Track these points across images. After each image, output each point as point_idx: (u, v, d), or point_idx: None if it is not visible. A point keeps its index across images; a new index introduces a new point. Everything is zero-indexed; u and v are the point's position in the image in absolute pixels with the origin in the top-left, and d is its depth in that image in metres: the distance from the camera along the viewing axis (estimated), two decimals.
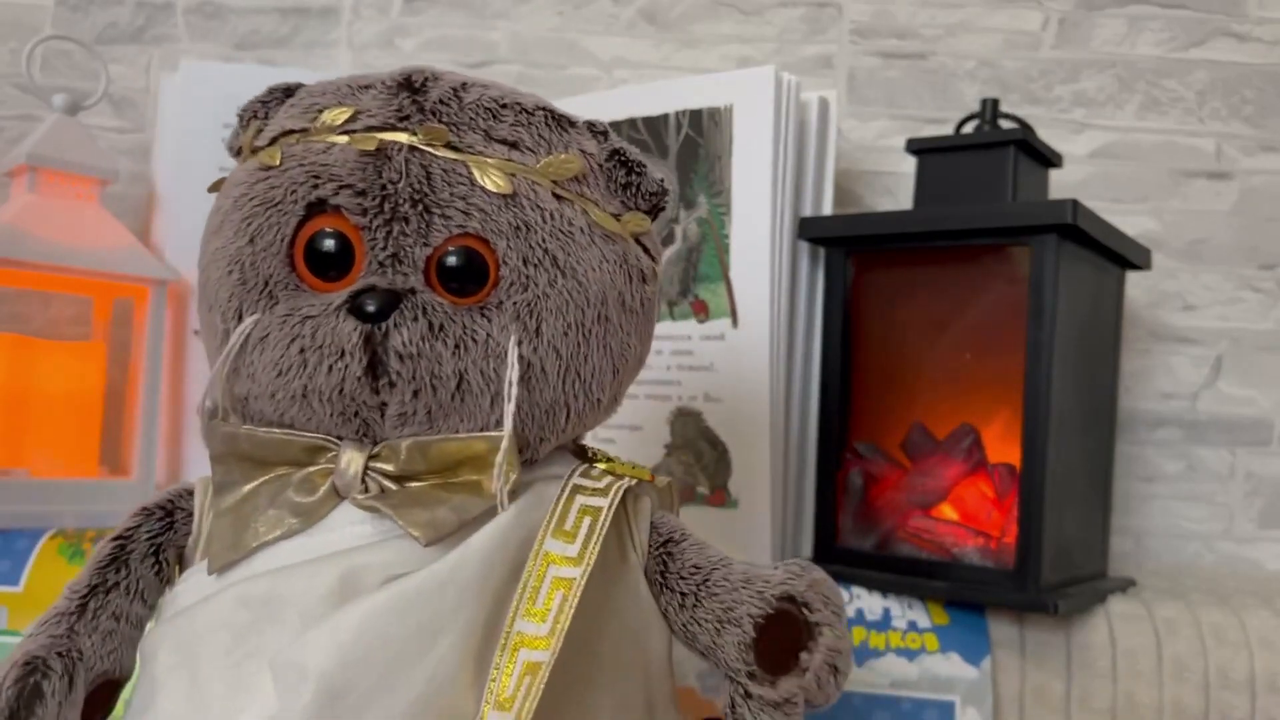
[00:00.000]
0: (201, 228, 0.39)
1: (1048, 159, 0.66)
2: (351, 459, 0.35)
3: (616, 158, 0.39)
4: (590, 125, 0.40)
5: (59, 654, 0.34)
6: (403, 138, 0.36)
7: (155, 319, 0.64)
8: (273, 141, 0.37)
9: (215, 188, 0.40)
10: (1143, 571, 0.71)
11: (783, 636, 0.36)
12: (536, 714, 0.32)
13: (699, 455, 0.65)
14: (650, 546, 0.39)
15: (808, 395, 0.67)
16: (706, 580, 0.38)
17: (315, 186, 0.35)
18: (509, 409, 0.34)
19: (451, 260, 0.35)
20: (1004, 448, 0.59)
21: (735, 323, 0.65)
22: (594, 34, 0.83)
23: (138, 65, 0.83)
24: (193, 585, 0.36)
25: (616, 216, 0.39)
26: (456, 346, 0.34)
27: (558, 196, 0.37)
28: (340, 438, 0.35)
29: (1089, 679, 0.56)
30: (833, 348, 0.64)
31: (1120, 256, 0.64)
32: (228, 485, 0.36)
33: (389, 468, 0.35)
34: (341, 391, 0.34)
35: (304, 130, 0.37)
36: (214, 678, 0.33)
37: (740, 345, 0.64)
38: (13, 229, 0.59)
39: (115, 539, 0.38)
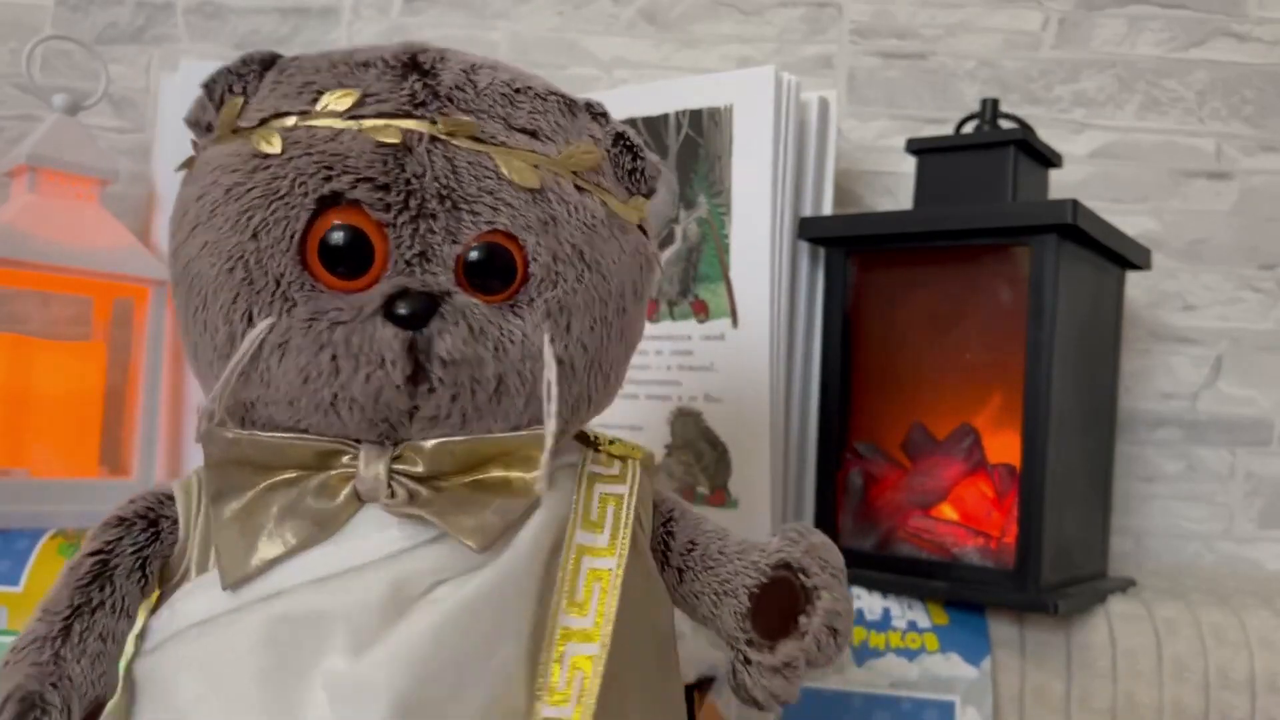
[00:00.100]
0: None
1: (1048, 159, 0.66)
2: (373, 462, 0.33)
3: (621, 143, 0.38)
4: (589, 106, 0.39)
5: (53, 684, 0.32)
6: (423, 127, 0.34)
7: (155, 319, 0.64)
8: (263, 123, 0.35)
9: (188, 165, 0.37)
10: (1143, 571, 0.71)
11: (782, 602, 0.37)
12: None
13: (699, 455, 0.65)
14: (654, 524, 0.40)
15: (808, 395, 0.67)
16: (704, 554, 0.39)
17: (328, 179, 0.33)
18: (551, 409, 0.34)
19: (481, 258, 0.34)
20: (1004, 448, 0.59)
21: (735, 323, 0.65)
22: (594, 34, 0.83)
23: (138, 65, 0.83)
24: (200, 601, 0.33)
25: (624, 204, 0.38)
26: (496, 349, 0.33)
27: (578, 188, 0.36)
28: (357, 440, 0.34)
29: (1089, 679, 0.56)
30: (833, 348, 0.64)
31: (1120, 256, 0.64)
32: (228, 492, 0.34)
33: (415, 469, 0.34)
34: (377, 400, 0.32)
35: (303, 113, 0.34)
36: (255, 706, 0.31)
37: (740, 345, 0.64)
38: (13, 229, 0.59)
39: (93, 554, 0.34)
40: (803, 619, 0.37)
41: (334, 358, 0.32)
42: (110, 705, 0.34)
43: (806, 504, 0.67)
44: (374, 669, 0.30)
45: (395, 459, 0.33)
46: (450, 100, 0.34)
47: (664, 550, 0.40)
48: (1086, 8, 0.82)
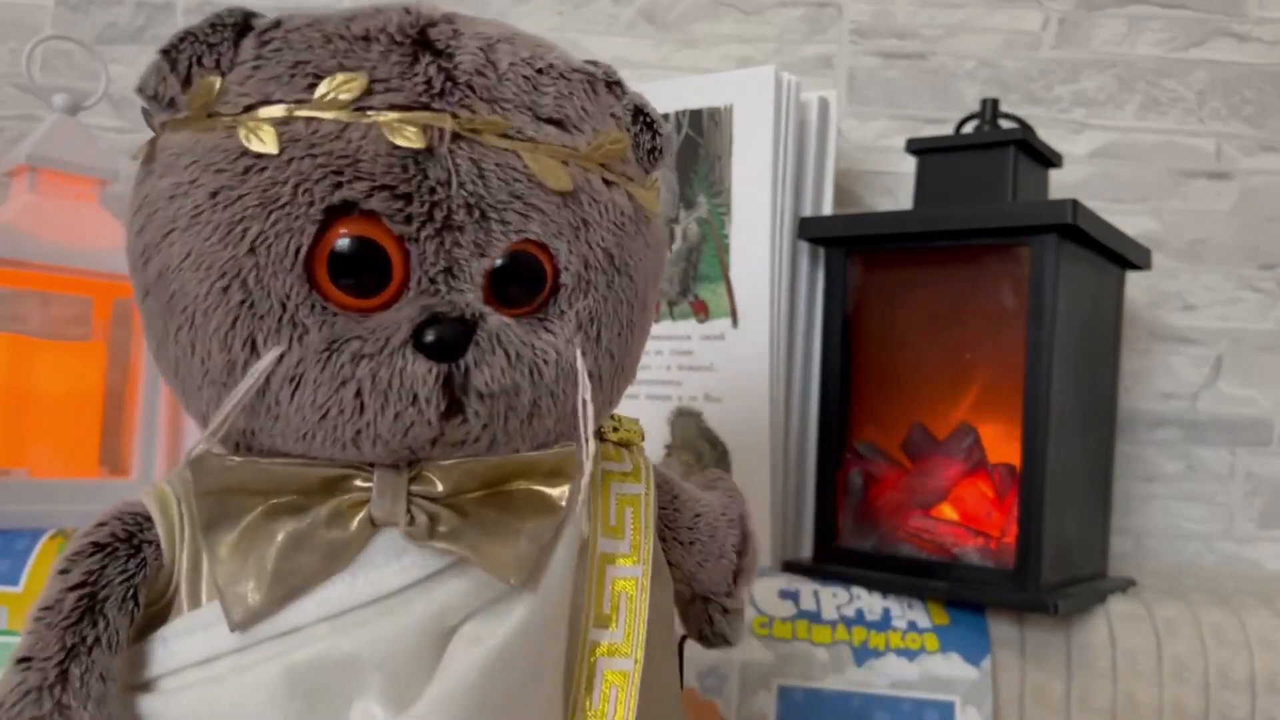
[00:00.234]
0: None
1: (1048, 159, 0.66)
2: (389, 485, 0.30)
3: (641, 119, 0.35)
4: (605, 76, 0.35)
5: None
6: (444, 123, 0.30)
7: None
8: (247, 110, 0.30)
9: (147, 157, 0.32)
10: (1143, 571, 0.71)
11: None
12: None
13: (699, 455, 0.65)
14: (659, 505, 0.40)
15: (808, 395, 0.67)
16: (706, 524, 0.40)
17: (338, 185, 0.29)
18: (588, 430, 0.31)
19: (509, 270, 0.31)
20: (1004, 448, 0.59)
21: (735, 323, 0.65)
22: (594, 34, 0.83)
23: (138, 65, 0.82)
24: (199, 641, 0.30)
25: (644, 188, 0.35)
26: (531, 373, 0.31)
27: (606, 182, 0.33)
28: (370, 464, 0.31)
29: (1089, 679, 0.56)
30: (833, 348, 0.64)
31: (1120, 256, 0.64)
32: (220, 522, 0.30)
33: (434, 490, 0.31)
34: (405, 436, 0.29)
35: (298, 102, 0.30)
36: None
37: (740, 345, 0.64)
38: (12, 229, 0.59)
39: (76, 587, 0.30)
40: (746, 560, 0.41)
41: (358, 394, 0.29)
42: None
43: (806, 504, 0.67)
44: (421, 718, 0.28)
45: (413, 479, 0.31)
46: (471, 88, 0.30)
47: (669, 526, 0.40)
48: (1086, 8, 0.82)
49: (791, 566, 0.63)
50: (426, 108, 0.30)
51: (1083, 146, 0.81)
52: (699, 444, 0.65)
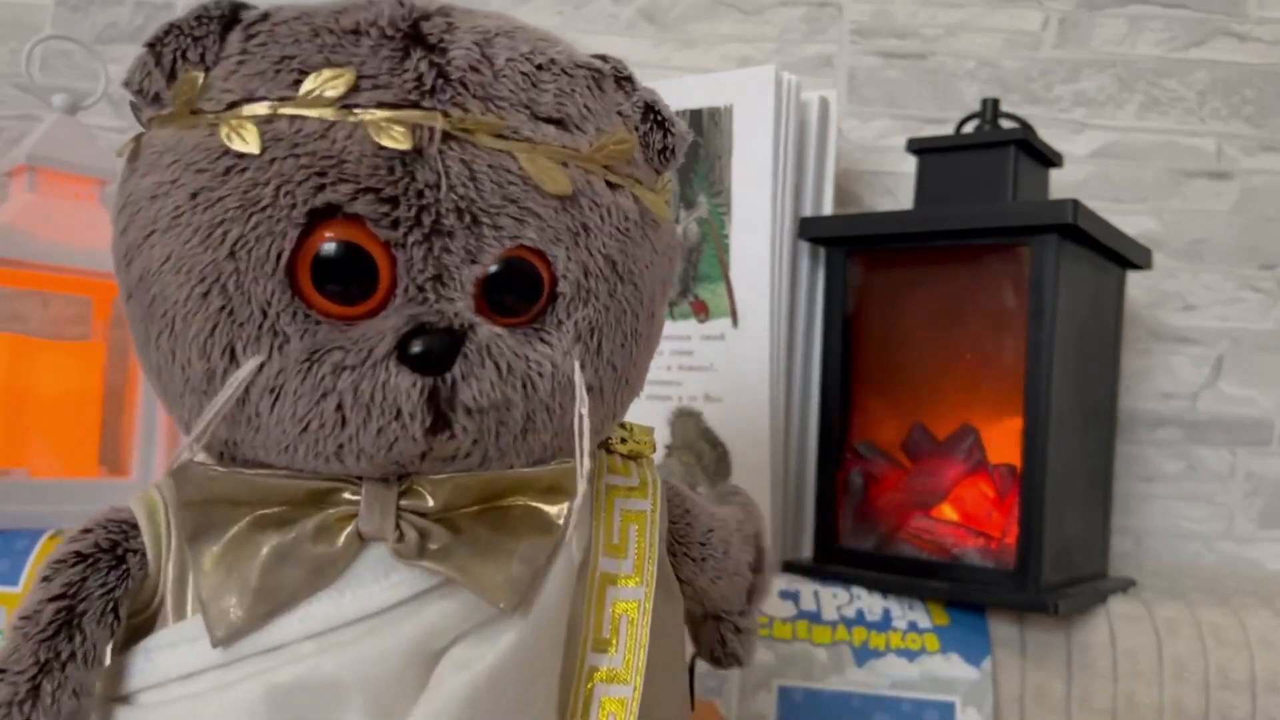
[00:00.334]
0: None
1: (1048, 159, 0.66)
2: (377, 500, 0.29)
3: (652, 118, 0.33)
4: (614, 70, 0.34)
5: None
6: (434, 122, 0.28)
7: None
8: (230, 107, 0.29)
9: (132, 154, 0.31)
10: (1143, 571, 0.71)
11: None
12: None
13: (699, 455, 0.65)
14: (668, 521, 0.38)
15: (808, 395, 0.67)
16: (719, 540, 0.39)
17: (320, 188, 0.28)
18: (584, 446, 0.30)
19: (502, 276, 0.29)
20: (1004, 448, 0.59)
21: (735, 323, 0.65)
22: (594, 34, 0.83)
23: None
24: (181, 654, 0.29)
25: (652, 189, 0.34)
26: (524, 386, 0.29)
27: (610, 184, 0.31)
28: (359, 477, 0.30)
29: (1089, 679, 0.56)
30: (833, 348, 0.64)
31: (1120, 256, 0.64)
32: (205, 533, 0.29)
33: (425, 505, 0.29)
34: (390, 451, 0.28)
35: (283, 99, 0.28)
36: None
37: (740, 345, 0.64)
38: (12, 229, 0.59)
39: (55, 599, 0.29)
40: (760, 578, 0.40)
41: (339, 408, 0.28)
42: None
43: (806, 504, 0.67)
44: None
45: (403, 494, 0.29)
46: (464, 85, 0.29)
47: (683, 542, 0.38)
48: (1087, 7, 0.82)
49: (792, 567, 0.63)
50: (416, 106, 0.28)
51: (1083, 146, 0.81)
52: (699, 444, 0.65)
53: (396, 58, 0.29)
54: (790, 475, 0.66)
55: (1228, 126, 0.81)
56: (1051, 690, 0.56)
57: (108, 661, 0.30)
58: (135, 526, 0.31)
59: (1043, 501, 0.56)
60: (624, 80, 0.33)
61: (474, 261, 0.29)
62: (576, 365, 0.30)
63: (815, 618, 0.57)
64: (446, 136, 0.28)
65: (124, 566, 0.30)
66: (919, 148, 0.66)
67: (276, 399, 0.28)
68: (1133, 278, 0.73)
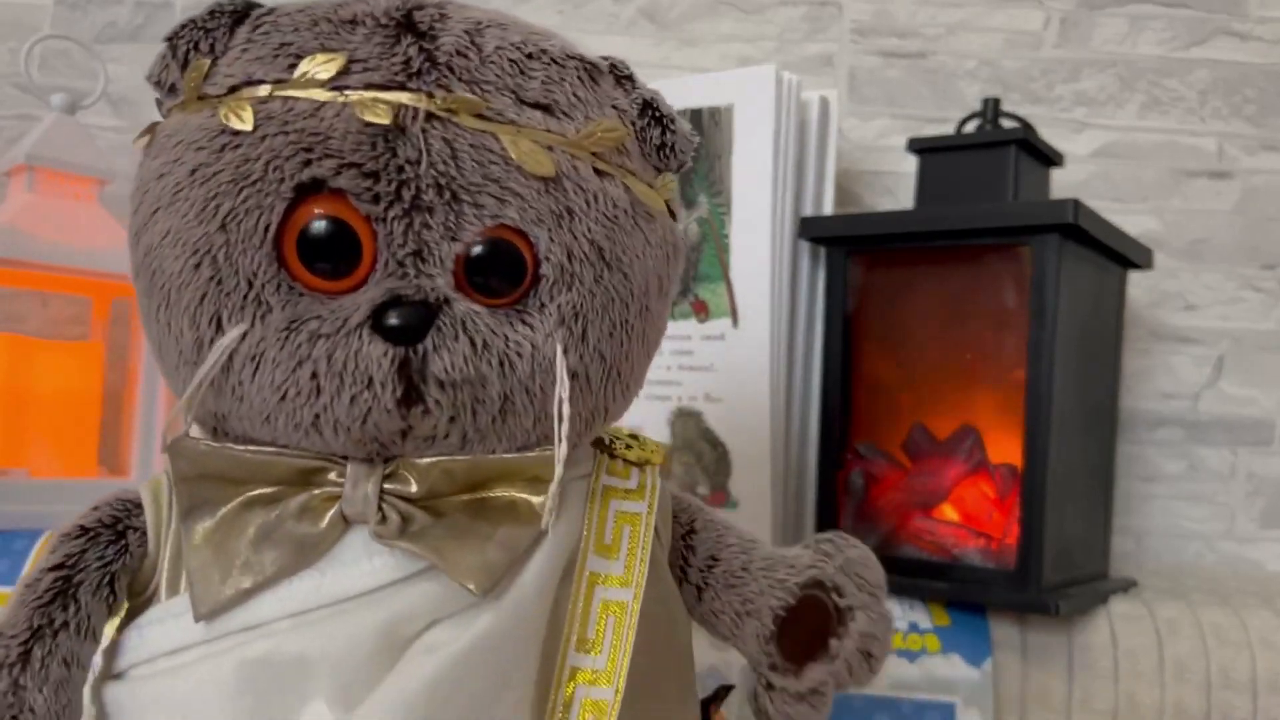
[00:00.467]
0: None
1: (1049, 158, 0.66)
2: (362, 481, 0.30)
3: (650, 114, 0.34)
4: (613, 67, 0.34)
5: (13, 717, 0.29)
6: (418, 102, 0.29)
7: None
8: (232, 91, 0.30)
9: (147, 134, 0.32)
10: (1144, 572, 0.71)
11: (812, 621, 0.34)
12: None
13: (699, 456, 0.65)
14: (673, 536, 0.37)
15: (808, 395, 0.67)
16: (727, 571, 0.36)
17: (307, 163, 0.29)
18: (562, 432, 0.30)
19: (483, 255, 0.30)
20: (1005, 448, 0.59)
21: (735, 323, 0.65)
22: (594, 33, 0.83)
23: (136, 64, 0.82)
24: (169, 630, 0.30)
25: (650, 184, 0.34)
26: (501, 364, 0.29)
27: (598, 172, 0.31)
28: (344, 456, 0.30)
29: (1090, 680, 0.56)
30: (833, 348, 0.64)
31: (1121, 256, 0.64)
32: (199, 509, 0.30)
33: (408, 489, 0.30)
34: (364, 422, 0.28)
35: (279, 81, 0.29)
36: None
37: (740, 345, 0.64)
38: (11, 229, 0.59)
39: (55, 569, 0.31)
40: (834, 642, 0.34)
41: (314, 376, 0.28)
42: None
43: (807, 505, 0.67)
44: None
45: (388, 476, 0.30)
46: (450, 69, 0.30)
47: (683, 564, 0.37)
48: (1088, 7, 0.82)
49: None
50: (402, 87, 0.29)
51: (1084, 146, 0.81)
52: (699, 444, 0.65)
53: (388, 44, 0.30)
54: (790, 475, 0.66)
55: (1229, 126, 0.81)
56: (1052, 691, 0.56)
57: (105, 637, 0.31)
58: (140, 506, 0.32)
59: (1043, 502, 0.55)
60: (624, 79, 0.34)
61: (454, 239, 0.29)
62: (559, 349, 0.30)
63: None
64: (430, 116, 0.29)
65: (123, 542, 0.32)
66: (919, 147, 0.66)
67: (257, 368, 0.29)
68: (1134, 277, 0.73)
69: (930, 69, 0.82)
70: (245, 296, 0.29)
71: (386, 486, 0.30)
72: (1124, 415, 0.78)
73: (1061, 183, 0.79)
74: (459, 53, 0.30)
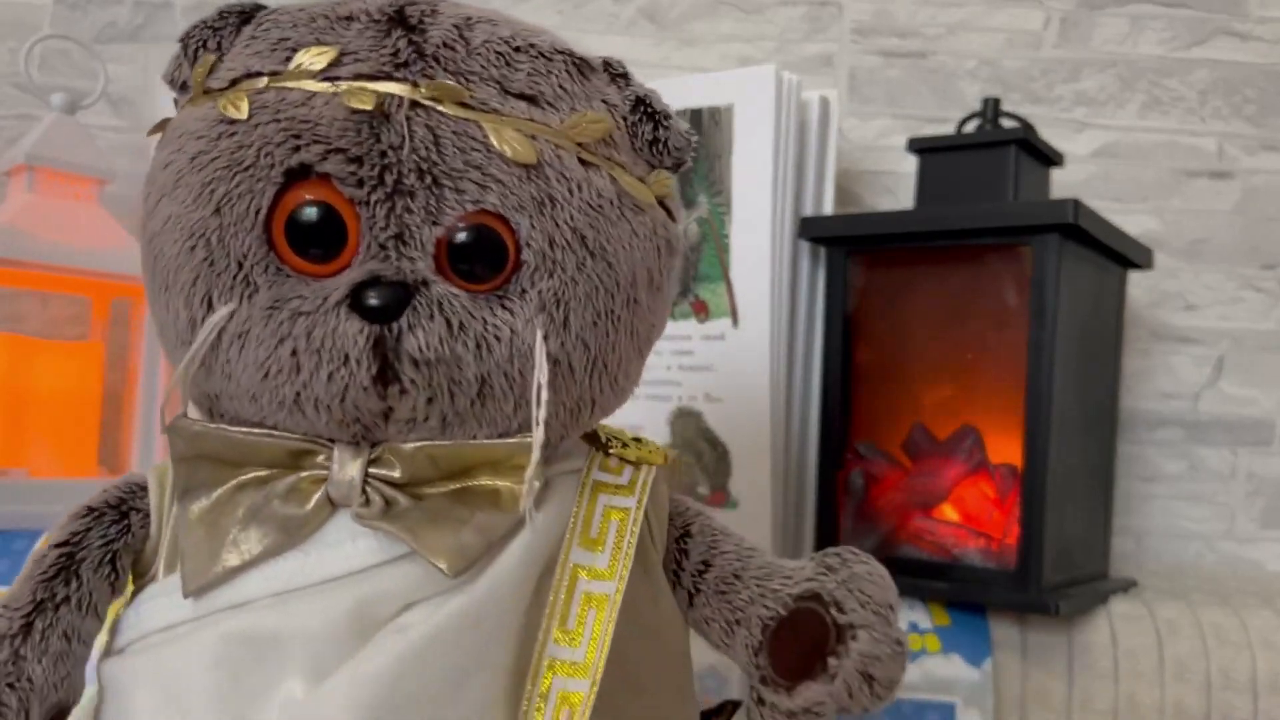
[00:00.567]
0: None
1: (1049, 158, 0.66)
2: (347, 465, 0.30)
3: (642, 109, 0.34)
4: (608, 65, 0.35)
5: (10, 685, 0.30)
6: (403, 90, 0.30)
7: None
8: (233, 84, 0.31)
9: (159, 129, 0.34)
10: (1144, 572, 0.71)
11: (814, 637, 0.33)
12: None
13: (699, 456, 0.65)
14: (668, 539, 0.36)
15: (808, 395, 0.67)
16: (719, 577, 0.35)
17: (296, 149, 0.30)
18: (539, 416, 0.30)
19: (464, 240, 0.30)
20: (1005, 448, 0.59)
21: (735, 323, 0.64)
22: (594, 33, 0.83)
23: (136, 64, 0.82)
24: (162, 606, 0.31)
25: (642, 179, 0.34)
26: (478, 347, 0.30)
27: (584, 162, 0.32)
28: (331, 440, 0.31)
29: (1090, 680, 0.56)
30: (833, 348, 0.64)
31: (1122, 256, 0.64)
32: (195, 489, 0.31)
33: (393, 474, 0.30)
34: (343, 400, 0.29)
35: (274, 73, 0.31)
36: None
37: (740, 345, 0.64)
38: (11, 229, 0.59)
39: (59, 545, 0.32)
40: (832, 660, 0.32)
41: (294, 353, 0.29)
42: (84, 700, 0.33)
43: (807, 505, 0.67)
44: (329, 700, 0.28)
45: (373, 461, 0.30)
46: (437, 60, 0.31)
47: (675, 568, 0.36)
48: (1088, 7, 0.82)
49: None
50: (389, 77, 0.30)
51: (1084, 146, 0.81)
52: (699, 444, 0.65)
53: (379, 37, 0.31)
54: (790, 475, 0.66)
55: (1229, 126, 0.81)
56: (1052, 691, 0.56)
57: (106, 614, 0.32)
58: (145, 489, 0.33)
59: (1043, 502, 0.55)
60: (619, 77, 0.35)
61: (435, 223, 0.30)
62: (539, 334, 0.31)
63: None
64: (414, 104, 0.30)
65: (125, 522, 0.33)
66: (920, 147, 0.66)
67: (244, 346, 0.30)
68: (1134, 277, 0.73)
69: (930, 69, 0.82)
70: (235, 277, 0.30)
71: (372, 471, 0.30)
72: (1124, 415, 0.78)
73: (1061, 183, 0.79)
74: (446, 44, 0.31)
